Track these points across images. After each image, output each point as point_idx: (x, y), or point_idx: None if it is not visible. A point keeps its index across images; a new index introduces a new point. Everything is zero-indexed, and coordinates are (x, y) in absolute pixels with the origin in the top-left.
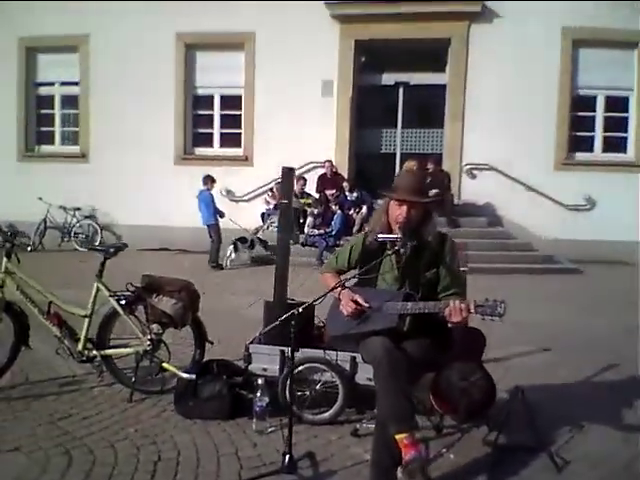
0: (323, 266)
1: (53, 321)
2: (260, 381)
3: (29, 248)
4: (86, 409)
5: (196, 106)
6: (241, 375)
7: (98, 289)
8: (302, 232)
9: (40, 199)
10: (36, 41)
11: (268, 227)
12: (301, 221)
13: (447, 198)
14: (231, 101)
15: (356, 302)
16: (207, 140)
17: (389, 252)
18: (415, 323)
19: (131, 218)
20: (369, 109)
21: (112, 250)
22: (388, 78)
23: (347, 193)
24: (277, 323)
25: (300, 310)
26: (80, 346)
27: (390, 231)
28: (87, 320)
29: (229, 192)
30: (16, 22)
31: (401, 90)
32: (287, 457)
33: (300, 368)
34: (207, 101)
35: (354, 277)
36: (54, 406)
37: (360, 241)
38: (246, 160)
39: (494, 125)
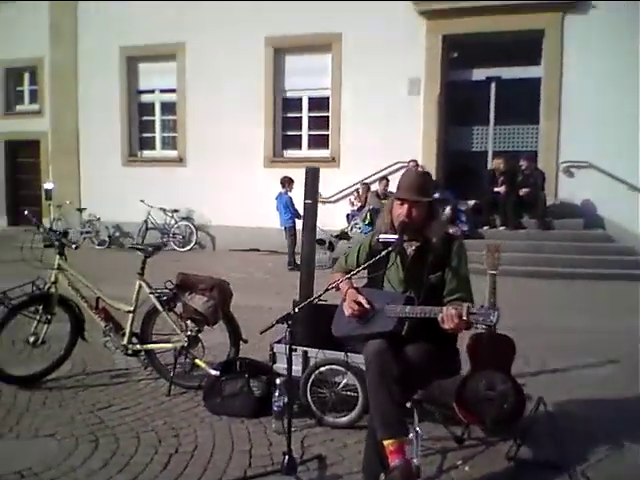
0: (334, 266)
1: (101, 315)
2: (278, 381)
3: (74, 246)
4: (126, 400)
5: (285, 109)
6: (266, 374)
7: (140, 286)
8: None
9: (142, 201)
10: (136, 50)
11: (352, 228)
12: None
13: (540, 198)
14: (318, 103)
15: (358, 303)
16: (296, 142)
17: (383, 253)
18: (416, 327)
19: (224, 219)
20: (459, 106)
21: (150, 249)
22: (479, 73)
23: None
24: (273, 324)
25: (296, 310)
26: (125, 340)
27: (394, 231)
28: (131, 315)
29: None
30: (117, 32)
31: (493, 85)
32: (287, 458)
33: (321, 370)
34: (296, 104)
35: (349, 278)
36: (99, 396)
37: (367, 242)
38: (333, 161)
39: (593, 120)
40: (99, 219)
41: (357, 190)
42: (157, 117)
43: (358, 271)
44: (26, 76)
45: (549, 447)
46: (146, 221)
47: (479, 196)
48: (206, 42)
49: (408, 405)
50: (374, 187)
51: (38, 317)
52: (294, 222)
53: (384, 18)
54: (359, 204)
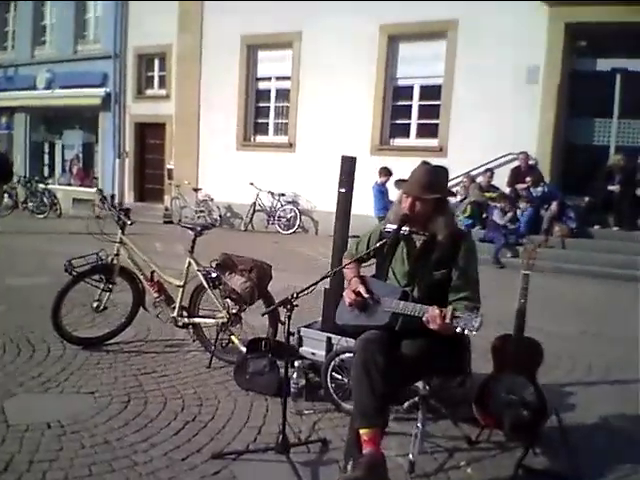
0: (345, 252)
1: (154, 287)
2: (297, 363)
3: (129, 222)
4: (169, 368)
5: (396, 97)
6: (292, 356)
7: (189, 263)
8: (484, 227)
9: (251, 184)
10: (256, 38)
11: None
12: (484, 216)
13: None
14: (430, 91)
15: (357, 292)
16: (404, 131)
17: (377, 244)
18: (412, 323)
19: (328, 205)
20: (580, 97)
21: (199, 229)
22: (603, 64)
23: (531, 189)
24: (275, 306)
25: (295, 296)
26: (175, 313)
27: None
28: (181, 290)
29: None
30: (239, 20)
31: (618, 77)
32: (280, 437)
33: (342, 357)
34: (407, 92)
35: (342, 268)
36: (147, 362)
37: (378, 231)
38: (440, 151)
39: None
40: (212, 199)
41: (462, 181)
42: (272, 103)
43: (353, 260)
44: (156, 62)
45: (562, 459)
46: (254, 203)
47: (594, 193)
48: (321, 30)
49: (407, 403)
50: (479, 179)
51: (101, 286)
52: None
53: (501, 3)
54: (462, 196)
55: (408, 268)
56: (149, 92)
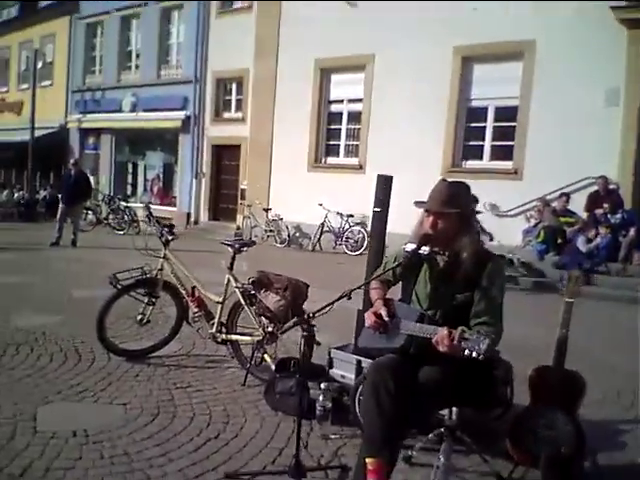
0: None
1: (194, 303)
2: (323, 385)
3: (170, 237)
4: (205, 384)
5: (470, 118)
6: (320, 377)
7: (229, 280)
8: (558, 254)
9: (320, 205)
10: (329, 62)
11: (525, 245)
12: (559, 241)
13: None
14: (505, 112)
15: (378, 315)
16: (477, 153)
17: (393, 266)
18: (427, 346)
19: (397, 227)
20: None
21: (237, 246)
22: None
23: (608, 215)
24: (291, 326)
25: (312, 315)
26: (214, 329)
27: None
28: (220, 306)
29: (493, 207)
30: (313, 45)
31: None
32: (294, 461)
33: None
34: (481, 113)
35: (358, 288)
36: (184, 376)
37: (402, 252)
38: (515, 174)
39: None
40: (282, 219)
41: (537, 205)
42: (343, 125)
43: (372, 278)
44: (233, 86)
45: None
46: (322, 224)
47: None
48: (394, 53)
49: (433, 433)
50: (554, 204)
51: (145, 299)
52: None
53: (580, 24)
54: (535, 220)
55: (429, 290)
56: (226, 115)
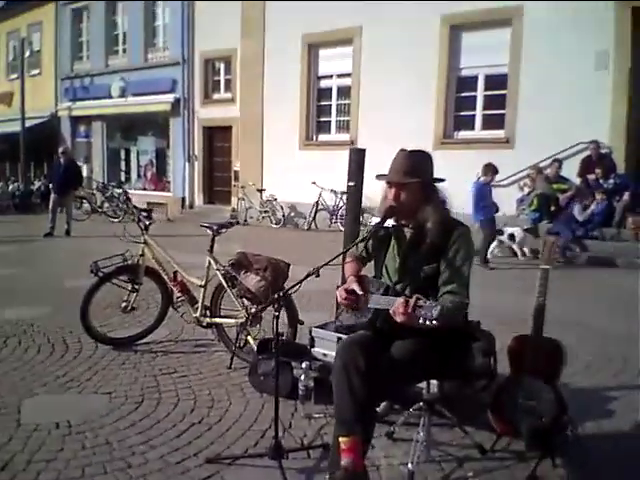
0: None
1: (177, 288)
2: (304, 364)
3: (147, 222)
4: (191, 369)
5: (460, 88)
6: (302, 356)
7: (209, 262)
8: (551, 221)
9: (314, 183)
10: (317, 37)
11: (519, 215)
12: (552, 209)
13: None
14: (495, 81)
15: (349, 291)
16: (469, 123)
17: (357, 240)
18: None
19: None
20: None
21: (215, 227)
22: None
23: (601, 180)
24: (264, 306)
25: (281, 295)
26: (198, 313)
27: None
28: (202, 290)
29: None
30: (300, 20)
31: None
32: (273, 442)
33: None
34: (471, 82)
35: (326, 264)
36: (170, 362)
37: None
38: (507, 143)
39: None
40: (276, 199)
41: (529, 174)
42: (333, 101)
43: (331, 260)
44: (222, 66)
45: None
46: (317, 202)
47: None
48: (381, 24)
49: (414, 407)
50: (547, 171)
51: (129, 287)
52: (493, 214)
53: None
54: (529, 189)
55: (398, 264)
56: (216, 96)
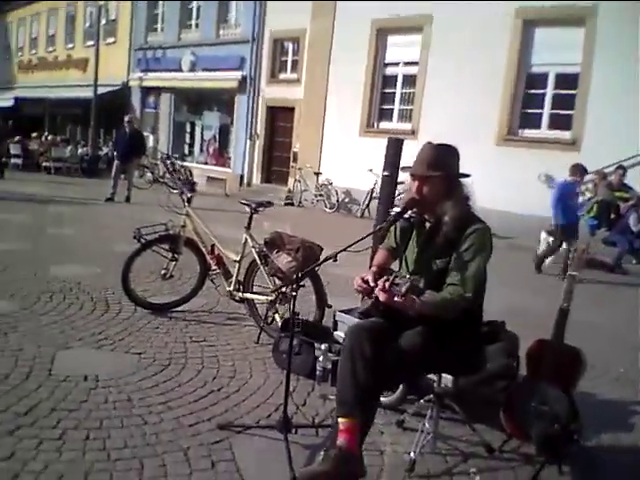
0: None
1: (214, 261)
2: (323, 346)
3: (189, 195)
4: (220, 340)
5: (528, 85)
6: (326, 339)
7: (246, 239)
8: (609, 229)
9: (370, 171)
10: (386, 22)
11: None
12: (612, 216)
13: None
14: (565, 80)
15: (365, 280)
16: (535, 121)
17: (374, 230)
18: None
19: None
20: None
21: (253, 205)
22: None
23: None
24: (279, 287)
25: (300, 276)
26: (231, 287)
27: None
28: (237, 265)
29: (548, 178)
30: (370, 4)
31: None
32: (282, 416)
33: None
34: (540, 79)
35: (343, 250)
36: (202, 331)
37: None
38: (573, 145)
39: None
40: (332, 184)
41: (593, 179)
42: (398, 89)
43: (349, 246)
44: (290, 46)
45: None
46: (372, 190)
47: None
48: (453, 13)
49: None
50: (611, 177)
51: (169, 255)
52: (577, 219)
53: None
54: (590, 194)
55: (415, 255)
56: (282, 76)
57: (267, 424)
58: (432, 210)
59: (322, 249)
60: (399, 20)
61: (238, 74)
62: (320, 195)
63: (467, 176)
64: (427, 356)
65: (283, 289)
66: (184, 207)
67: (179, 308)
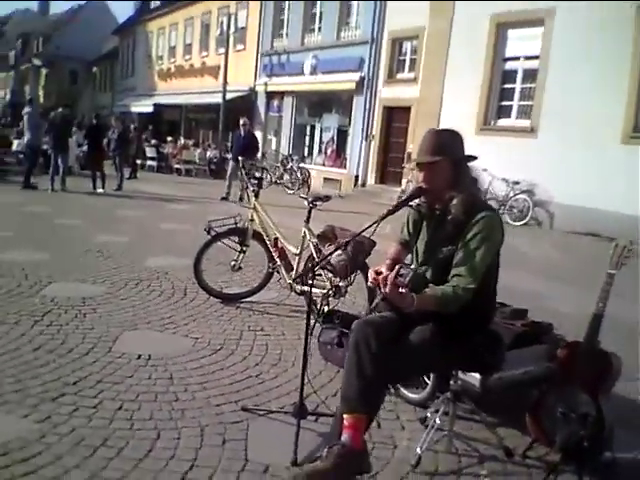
0: None
1: (277, 254)
2: None
3: (256, 189)
4: (276, 330)
5: None
6: None
7: (305, 233)
8: None
9: (485, 170)
10: (506, 16)
11: None
12: None
13: None
14: None
15: (378, 273)
16: None
17: (379, 218)
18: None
19: (568, 197)
20: None
21: (311, 199)
22: None
23: None
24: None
25: (316, 264)
26: (292, 279)
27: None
28: (297, 258)
29: None
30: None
31: None
32: (297, 403)
33: None
34: None
35: (353, 239)
36: (261, 321)
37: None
38: None
39: None
40: None
41: None
42: (517, 85)
43: (357, 235)
44: (408, 45)
45: None
46: (486, 190)
47: None
48: (577, 6)
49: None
50: None
51: (237, 247)
52: None
53: None
54: None
55: (424, 245)
56: (399, 76)
57: (286, 410)
58: (440, 198)
59: (375, 243)
60: (520, 14)
61: (356, 75)
62: None
63: (474, 158)
64: (436, 352)
65: (339, 283)
66: (252, 201)
67: (249, 299)
